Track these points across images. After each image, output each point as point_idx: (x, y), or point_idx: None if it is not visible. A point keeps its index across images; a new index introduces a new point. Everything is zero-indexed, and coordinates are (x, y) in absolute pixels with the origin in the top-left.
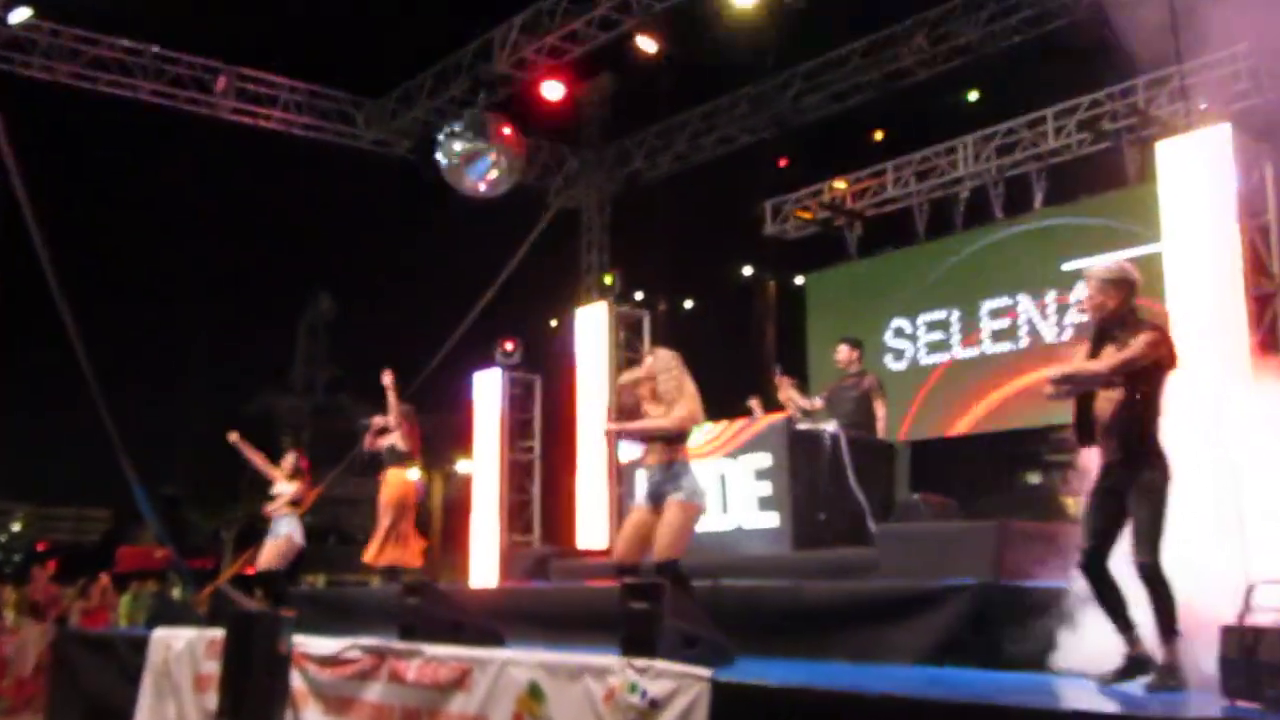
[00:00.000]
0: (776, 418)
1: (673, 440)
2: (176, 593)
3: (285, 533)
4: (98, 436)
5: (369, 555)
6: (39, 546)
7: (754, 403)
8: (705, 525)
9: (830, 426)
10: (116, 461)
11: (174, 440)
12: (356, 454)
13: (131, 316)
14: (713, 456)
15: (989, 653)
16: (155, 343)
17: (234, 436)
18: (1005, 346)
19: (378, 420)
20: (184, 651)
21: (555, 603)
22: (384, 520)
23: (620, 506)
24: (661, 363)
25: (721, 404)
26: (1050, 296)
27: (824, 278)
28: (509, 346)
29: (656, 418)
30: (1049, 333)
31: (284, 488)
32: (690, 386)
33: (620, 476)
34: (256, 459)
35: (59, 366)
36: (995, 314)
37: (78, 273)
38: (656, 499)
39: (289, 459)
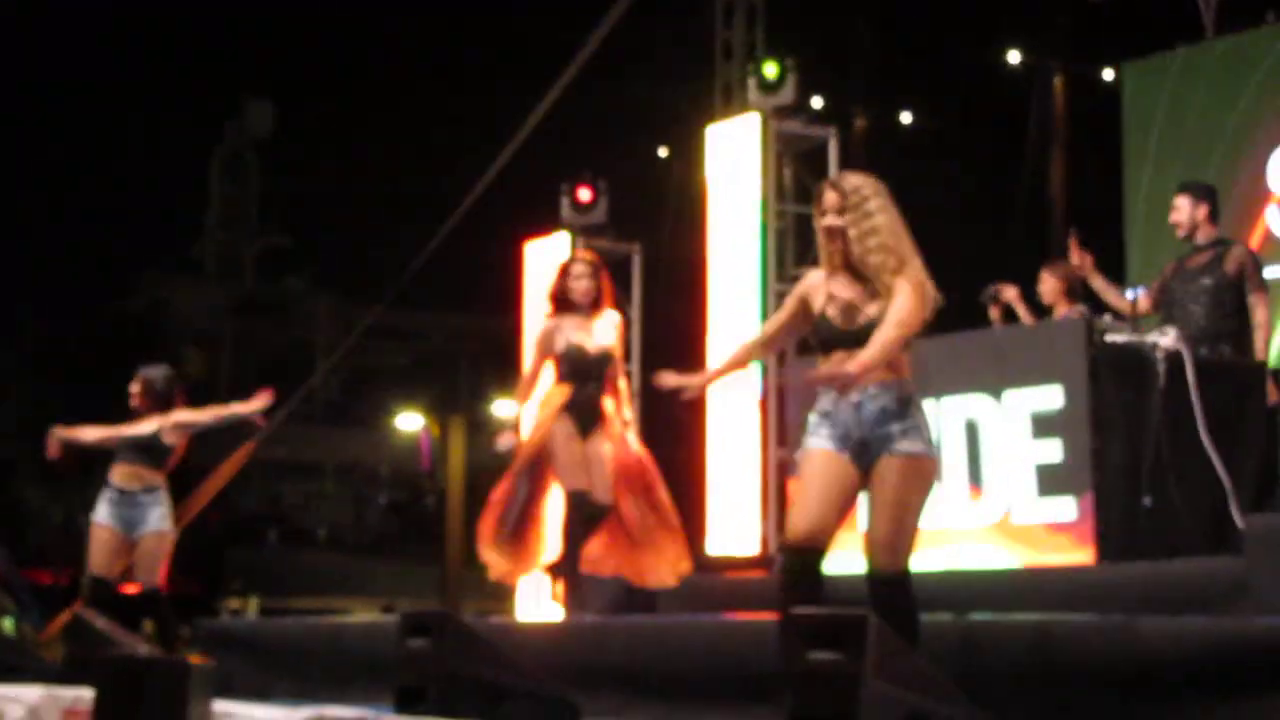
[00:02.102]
0: (1068, 321)
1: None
2: (6, 624)
3: (155, 527)
4: None
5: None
6: None
7: (1009, 294)
8: (942, 519)
9: (1166, 338)
10: None
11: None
12: (316, 383)
13: None
14: (951, 391)
15: None
16: None
17: (55, 444)
18: None
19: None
20: None
21: (670, 649)
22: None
23: (783, 482)
24: (857, 199)
25: (967, 294)
26: None
27: (1155, 69)
28: (585, 194)
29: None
30: None
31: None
32: (910, 246)
33: (785, 427)
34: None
35: None
36: None
37: None
38: (864, 451)
39: (138, 382)
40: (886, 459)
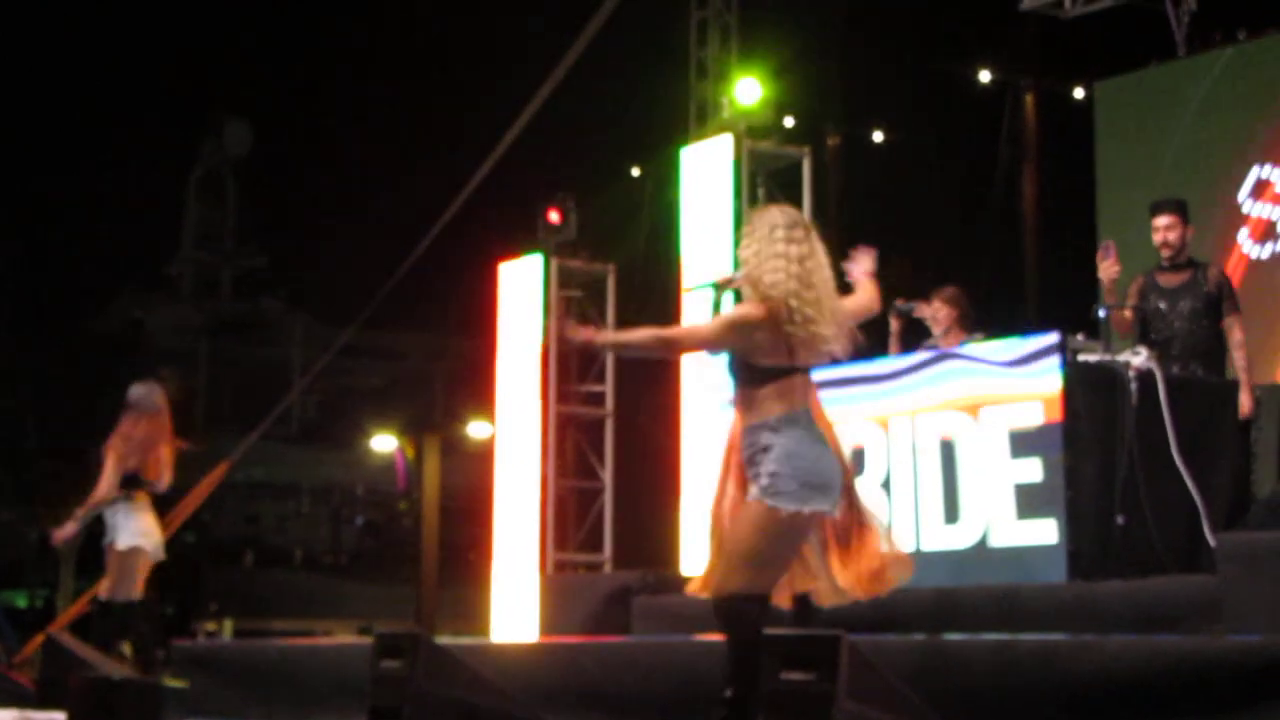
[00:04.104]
0: (1042, 339)
1: (744, 382)
2: None
3: (112, 539)
4: None
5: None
6: None
7: (925, 311)
8: (918, 539)
9: (1138, 357)
10: None
11: None
12: (291, 403)
13: None
14: (930, 409)
15: None
16: None
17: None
18: None
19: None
20: None
21: (642, 670)
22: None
23: None
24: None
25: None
26: None
27: (1127, 88)
28: (556, 216)
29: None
30: None
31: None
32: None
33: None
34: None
35: None
36: None
37: None
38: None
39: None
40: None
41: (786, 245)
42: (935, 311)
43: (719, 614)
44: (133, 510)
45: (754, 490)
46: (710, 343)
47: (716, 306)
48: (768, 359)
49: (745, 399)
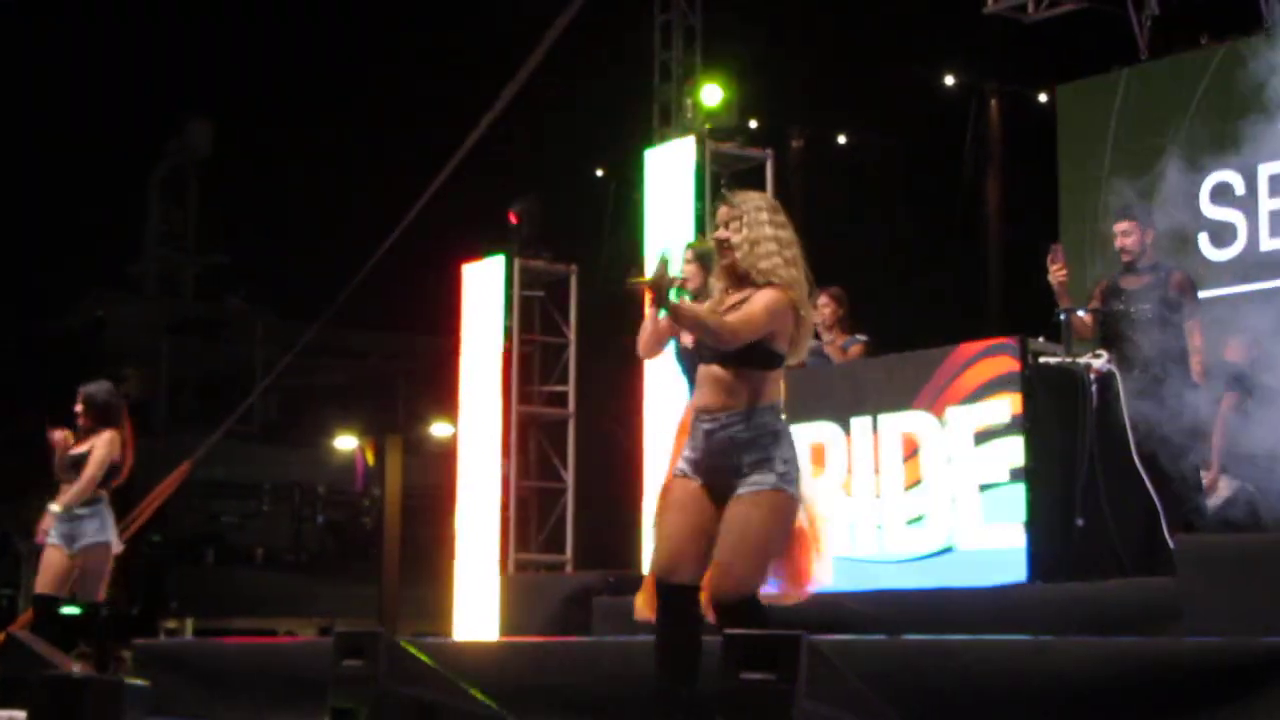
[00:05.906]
0: (1003, 343)
1: (753, 364)
2: None
3: (92, 540)
4: None
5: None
6: None
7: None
8: (878, 544)
9: (1099, 360)
10: None
11: None
12: (253, 402)
13: None
14: (892, 409)
15: None
16: None
17: (59, 435)
18: None
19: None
20: None
21: (605, 670)
22: None
23: None
24: (745, 213)
25: (901, 314)
26: None
27: (1089, 91)
28: (518, 217)
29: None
30: None
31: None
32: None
33: None
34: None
35: None
36: None
37: None
38: (713, 478)
39: (80, 400)
40: (739, 495)
41: (776, 230)
42: (821, 308)
43: (732, 614)
44: (109, 510)
45: (769, 479)
46: (760, 330)
47: (667, 295)
48: (781, 345)
49: (740, 382)
